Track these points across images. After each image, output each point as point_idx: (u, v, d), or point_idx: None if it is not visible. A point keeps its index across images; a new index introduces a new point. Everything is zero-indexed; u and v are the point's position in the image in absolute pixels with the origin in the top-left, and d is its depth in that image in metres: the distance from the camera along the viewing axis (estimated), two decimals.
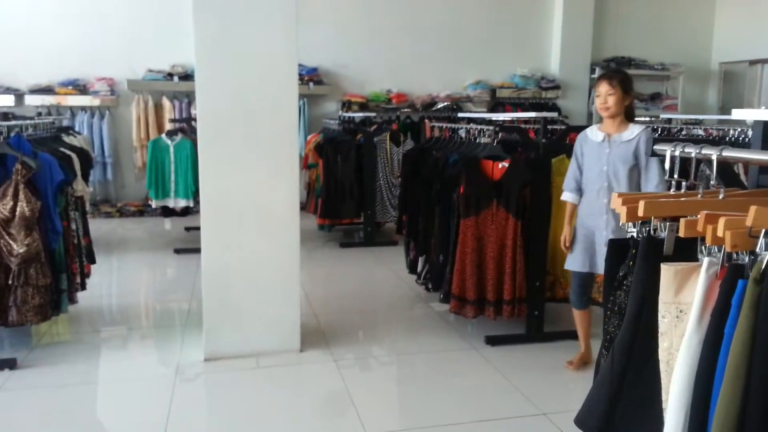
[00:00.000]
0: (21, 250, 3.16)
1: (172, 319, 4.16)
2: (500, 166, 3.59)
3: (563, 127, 4.92)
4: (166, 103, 7.70)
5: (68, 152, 3.94)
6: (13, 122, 3.63)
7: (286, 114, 3.28)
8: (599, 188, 3.04)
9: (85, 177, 4.20)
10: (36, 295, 3.22)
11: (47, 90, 7.39)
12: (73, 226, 3.69)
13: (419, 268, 4.23)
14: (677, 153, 1.70)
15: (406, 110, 8.40)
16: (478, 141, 3.91)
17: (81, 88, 7.52)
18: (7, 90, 7.30)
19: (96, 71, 7.61)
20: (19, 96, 7.32)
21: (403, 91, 8.50)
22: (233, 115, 3.20)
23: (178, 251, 5.73)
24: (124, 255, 5.77)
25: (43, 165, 3.35)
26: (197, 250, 5.31)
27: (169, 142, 5.70)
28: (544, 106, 8.60)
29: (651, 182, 2.92)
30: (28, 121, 3.99)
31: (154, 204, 5.78)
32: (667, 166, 1.73)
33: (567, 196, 3.19)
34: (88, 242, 3.98)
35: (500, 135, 3.82)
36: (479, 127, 4.04)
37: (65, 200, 3.62)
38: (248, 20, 3.17)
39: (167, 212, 5.90)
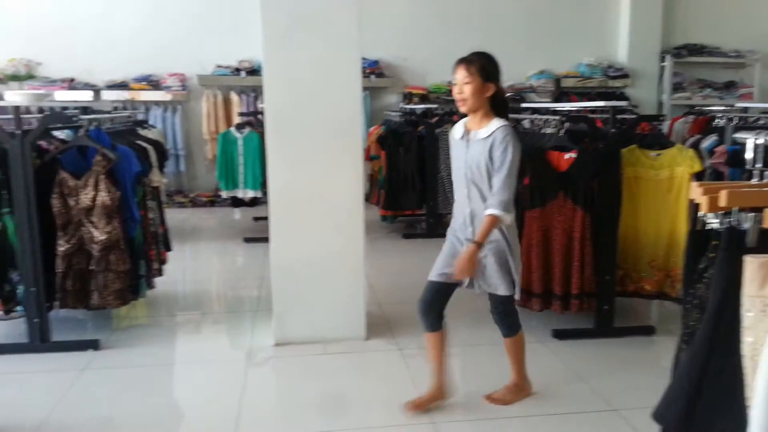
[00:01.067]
0: (102, 237, 3.34)
1: (242, 305, 4.31)
2: (567, 157, 3.51)
3: (633, 116, 4.77)
4: (234, 97, 7.93)
5: (144, 144, 4.12)
6: (93, 116, 3.82)
7: (350, 107, 3.33)
8: (462, 196, 2.57)
9: (161, 168, 4.39)
10: (116, 280, 3.40)
11: (122, 85, 7.75)
12: (151, 215, 3.87)
13: None
14: (761, 141, 1.63)
15: None
16: (542, 131, 3.84)
17: (154, 84, 7.84)
18: (86, 86, 7.70)
19: (168, 67, 7.92)
20: (96, 92, 7.70)
21: None
22: (299, 108, 3.27)
23: (247, 240, 5.91)
24: (196, 243, 6.00)
25: (122, 156, 3.52)
26: (265, 239, 5.46)
27: (237, 135, 5.87)
28: (611, 96, 8.32)
29: (493, 195, 2.42)
30: (106, 115, 4.19)
31: (224, 194, 5.99)
32: (749, 155, 1.66)
33: None
34: (164, 230, 4.17)
35: (566, 125, 3.73)
36: (544, 117, 3.97)
37: (142, 190, 3.80)
38: (313, 17, 3.23)
39: (237, 202, 6.10)
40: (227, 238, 6.23)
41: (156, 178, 4.05)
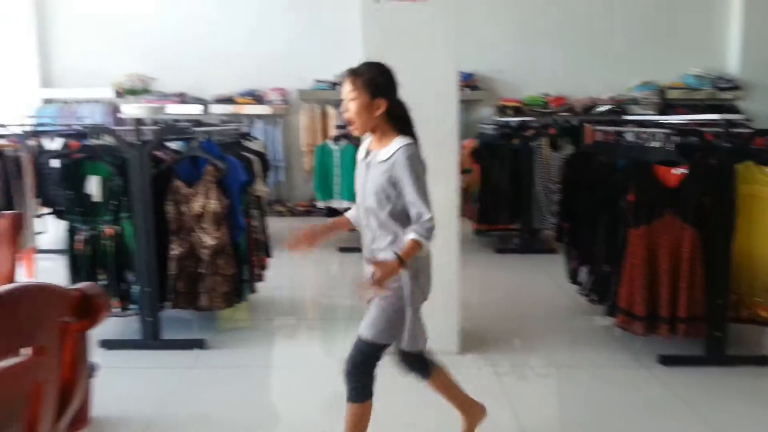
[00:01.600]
0: (211, 242, 3.54)
1: (336, 313, 4.40)
2: (676, 172, 3.34)
3: (749, 131, 4.46)
4: (331, 110, 8.16)
5: (249, 156, 4.33)
6: (204, 128, 4.07)
7: (448, 121, 3.34)
8: (364, 226, 2.21)
9: (264, 178, 4.60)
10: (223, 284, 3.58)
11: (228, 100, 8.18)
12: (254, 223, 4.06)
13: (581, 278, 4.07)
14: None
15: (564, 114, 8.11)
16: (647, 145, 3.67)
17: (257, 98, 8.22)
18: (195, 100, 8.20)
19: (270, 82, 8.29)
20: (205, 105, 8.18)
21: (561, 94, 8.23)
22: None
23: (342, 250, 6.04)
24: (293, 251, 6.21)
25: (230, 167, 3.71)
26: (359, 249, 5.54)
27: (334, 147, 6.04)
28: (721, 109, 7.82)
29: (415, 220, 2.07)
30: (216, 128, 4.45)
31: (320, 204, 6.17)
32: None
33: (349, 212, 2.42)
34: (265, 238, 4.34)
35: (675, 139, 3.56)
36: (650, 130, 3.80)
37: (247, 199, 3.99)
38: (412, 30, 3.28)
39: (332, 212, 6.25)
40: (322, 247, 6.31)
41: (260, 188, 4.24)
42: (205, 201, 3.53)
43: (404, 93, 3.30)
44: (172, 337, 3.58)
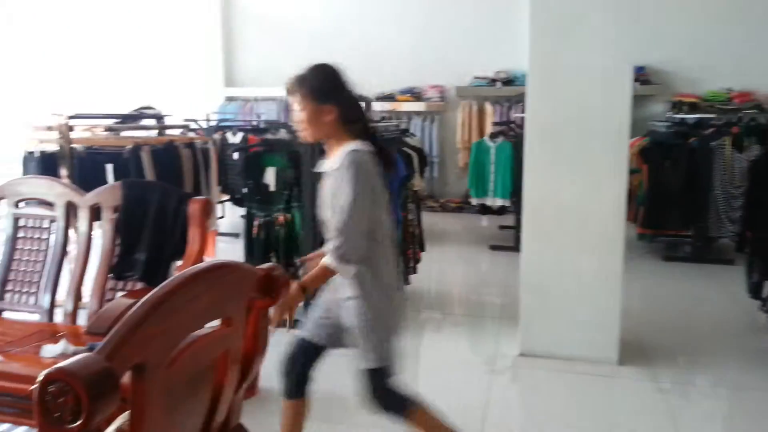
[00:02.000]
0: None
1: (484, 311, 4.40)
2: None
3: None
4: (488, 107, 8.10)
5: (410, 151, 4.45)
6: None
7: (617, 120, 3.17)
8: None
9: (421, 174, 4.70)
10: None
11: (389, 97, 8.44)
12: (410, 217, 4.18)
13: (765, 293, 3.65)
14: None
15: (750, 111, 7.28)
16: None
17: (416, 96, 8.40)
18: (360, 98, 8.56)
19: (429, 80, 8.42)
20: (368, 103, 8.50)
21: (747, 89, 7.39)
22: (563, 119, 3.22)
23: (492, 248, 6.00)
24: (443, 246, 6.28)
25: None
26: (510, 248, 5.47)
27: (491, 144, 6.00)
28: None
29: (330, 240, 1.93)
30: (382, 124, 4.62)
31: (473, 201, 6.17)
32: None
33: None
34: (420, 232, 4.45)
35: None
36: None
37: (405, 193, 4.11)
38: (584, 24, 3.14)
39: (485, 210, 6.23)
40: (473, 244, 6.40)
41: (417, 183, 4.34)
42: None
43: (573, 88, 3.21)
44: None
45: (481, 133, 7.85)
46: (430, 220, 7.53)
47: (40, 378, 0.93)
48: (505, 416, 2.83)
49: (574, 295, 3.27)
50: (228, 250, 5.65)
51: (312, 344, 2.13)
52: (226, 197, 6.22)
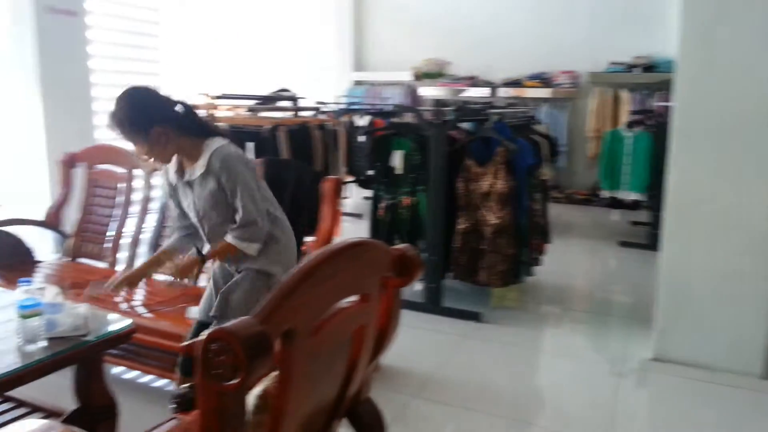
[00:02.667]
0: (494, 221, 3.64)
1: (610, 310, 4.19)
2: None
3: None
4: (624, 95, 7.65)
5: (539, 139, 4.31)
6: (499, 110, 4.17)
7: None
8: (208, 244, 2.19)
9: (551, 162, 4.55)
10: (502, 262, 3.68)
11: (516, 83, 8.22)
12: (536, 206, 4.05)
13: None
14: None
15: None
16: None
17: (545, 81, 8.11)
18: (485, 83, 8.43)
19: (560, 65, 8.09)
20: (493, 89, 8.36)
21: None
22: (717, 110, 2.94)
23: (622, 244, 5.69)
24: (567, 239, 6.05)
25: (520, 149, 3.76)
26: (643, 246, 5.17)
27: (627, 134, 5.67)
28: None
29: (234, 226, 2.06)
30: (509, 110, 4.52)
31: (604, 194, 5.87)
32: None
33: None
34: (545, 223, 4.31)
35: None
36: None
37: (532, 182, 4.00)
38: (747, 9, 2.85)
39: (615, 203, 5.92)
40: (600, 238, 6.10)
41: (546, 172, 4.21)
42: (493, 181, 3.65)
43: (728, 77, 2.92)
44: (451, 305, 3.81)
45: (615, 122, 7.44)
46: (554, 211, 7.24)
47: (204, 336, 1.01)
48: (632, 423, 2.69)
49: (718, 299, 3.02)
50: (351, 229, 5.83)
51: (207, 323, 2.22)
52: (351, 178, 6.40)
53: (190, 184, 2.10)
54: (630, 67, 7.62)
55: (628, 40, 7.63)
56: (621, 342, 3.50)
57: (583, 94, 8.04)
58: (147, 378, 2.86)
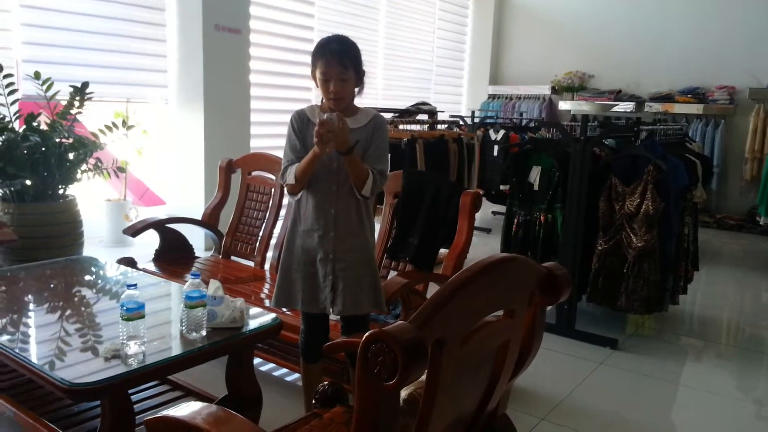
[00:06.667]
0: (639, 244, 3.45)
1: (759, 346, 3.80)
2: None
3: None
4: None
5: (693, 158, 4.03)
6: (650, 127, 3.95)
7: None
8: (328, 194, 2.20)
9: (705, 184, 4.23)
10: (644, 288, 3.47)
11: (666, 98, 7.73)
12: (686, 231, 3.78)
13: None
14: None
15: None
16: None
17: (699, 97, 7.55)
18: (631, 97, 8.01)
19: (716, 80, 7.50)
20: (640, 103, 7.92)
21: None
22: None
23: None
24: (715, 267, 5.58)
25: (672, 168, 3.53)
26: None
27: None
28: None
29: None
30: (661, 127, 4.27)
31: (762, 221, 5.35)
32: None
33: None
34: (694, 249, 4.01)
35: None
36: None
37: (684, 204, 3.74)
38: None
39: None
40: (752, 268, 5.56)
41: (698, 194, 3.92)
42: (640, 201, 3.46)
43: None
44: (583, 329, 3.65)
45: None
46: (703, 236, 6.74)
47: (365, 337, 1.06)
48: None
49: None
50: (479, 244, 5.78)
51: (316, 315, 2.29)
52: (481, 192, 6.36)
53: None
54: None
55: None
56: (760, 380, 3.17)
57: (740, 111, 7.39)
58: (274, 369, 3.03)
